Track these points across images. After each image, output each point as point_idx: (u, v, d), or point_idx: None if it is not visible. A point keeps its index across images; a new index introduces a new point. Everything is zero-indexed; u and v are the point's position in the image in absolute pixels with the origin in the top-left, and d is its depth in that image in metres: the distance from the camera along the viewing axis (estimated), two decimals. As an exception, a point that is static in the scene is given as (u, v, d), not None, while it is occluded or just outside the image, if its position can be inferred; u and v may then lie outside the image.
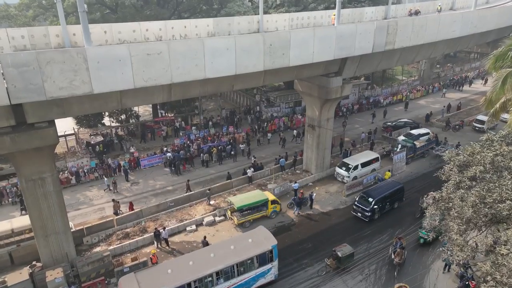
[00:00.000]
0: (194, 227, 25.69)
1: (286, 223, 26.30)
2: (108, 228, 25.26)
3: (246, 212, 25.79)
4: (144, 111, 49.05)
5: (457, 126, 41.19)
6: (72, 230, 23.76)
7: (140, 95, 20.23)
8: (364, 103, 48.67)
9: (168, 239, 24.16)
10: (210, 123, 42.18)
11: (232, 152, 35.75)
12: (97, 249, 23.74)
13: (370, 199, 25.94)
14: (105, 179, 31.44)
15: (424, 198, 17.04)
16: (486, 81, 57.72)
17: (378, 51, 26.40)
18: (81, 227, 24.75)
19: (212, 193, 28.21)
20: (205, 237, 23.48)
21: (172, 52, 17.86)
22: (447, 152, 17.74)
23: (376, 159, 32.36)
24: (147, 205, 27.56)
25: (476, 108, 47.29)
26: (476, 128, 40.58)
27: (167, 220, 26.17)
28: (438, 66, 65.11)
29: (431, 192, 17.01)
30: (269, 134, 39.90)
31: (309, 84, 29.12)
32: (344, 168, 31.13)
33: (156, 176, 33.30)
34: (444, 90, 53.58)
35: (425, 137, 37.00)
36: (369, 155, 32.74)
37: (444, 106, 46.07)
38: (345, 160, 31.88)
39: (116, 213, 26.55)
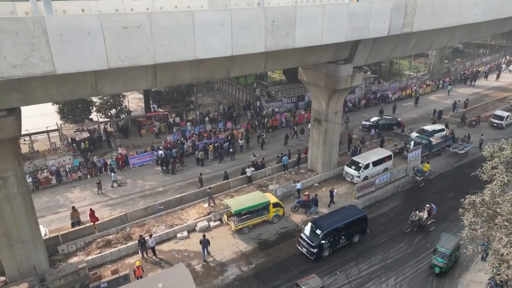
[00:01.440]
0: (185, 233, 22.61)
1: (290, 229, 23.22)
2: (87, 235, 22.19)
3: (244, 216, 22.73)
4: (137, 106, 45.99)
5: (473, 122, 38.07)
6: (45, 238, 20.78)
7: (119, 79, 17.17)
8: (372, 98, 45.57)
9: (155, 248, 21.09)
10: (207, 118, 39.11)
11: (231, 150, 32.68)
12: (74, 259, 20.66)
13: (318, 231, 20.23)
14: (112, 174, 28.60)
15: (466, 199, 13.90)
16: (498, 76, 54.68)
17: (395, 33, 23.31)
18: (57, 233, 21.70)
19: (209, 194, 25.10)
20: (204, 236, 20.78)
21: (155, 25, 14.76)
22: (487, 147, 14.71)
23: (388, 157, 29.26)
24: (133, 208, 24.47)
25: (492, 103, 44.25)
26: (494, 124, 37.50)
27: (155, 226, 23.09)
28: (446, 61, 62.02)
29: (470, 196, 13.95)
30: (270, 132, 36.87)
31: (315, 73, 26.03)
32: (353, 167, 28.04)
33: (146, 175, 30.22)
34: (449, 87, 49.73)
35: (440, 134, 33.97)
36: (381, 152, 29.64)
37: (458, 101, 42.93)
38: (355, 158, 28.79)
39: (75, 224, 23.00)
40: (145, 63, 15.27)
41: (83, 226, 22.55)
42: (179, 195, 25.47)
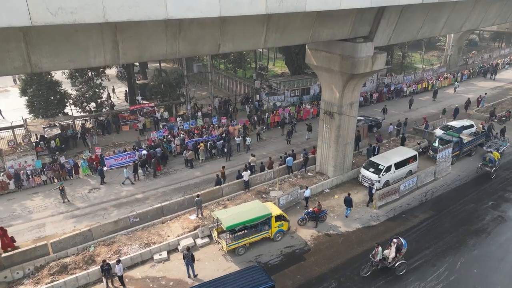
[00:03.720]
0: (164, 254, 17.81)
1: (297, 249, 18.38)
2: (40, 257, 17.39)
3: (239, 233, 17.94)
4: (123, 101, 41.25)
5: (503, 118, 33.28)
6: (-19, 262, 15.99)
7: (64, 50, 12.37)
8: (385, 92, 40.74)
9: (124, 276, 16.28)
10: (199, 113, 34.30)
11: (225, 149, 27.88)
12: (17, 290, 15.90)
13: None
14: (125, 170, 24.66)
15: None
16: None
17: (430, 1, 18.51)
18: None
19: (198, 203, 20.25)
20: (188, 249, 16.52)
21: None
22: None
23: (413, 158, 24.47)
24: (101, 222, 19.63)
25: (519, 98, 39.51)
26: (528, 119, 32.74)
27: (127, 245, 18.28)
28: (460, 54, 57.26)
29: None
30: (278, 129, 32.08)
31: (327, 55, 21.23)
32: (372, 170, 23.25)
33: (123, 179, 25.34)
34: (456, 83, 44.14)
35: (469, 130, 29.20)
36: (404, 152, 24.82)
37: (485, 93, 38.12)
38: (374, 159, 23.98)
39: None
40: (92, 20, 10.45)
41: (34, 246, 17.70)
42: (159, 205, 20.63)
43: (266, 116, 33.71)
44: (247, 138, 28.79)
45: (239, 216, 17.58)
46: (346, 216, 20.62)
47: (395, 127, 30.31)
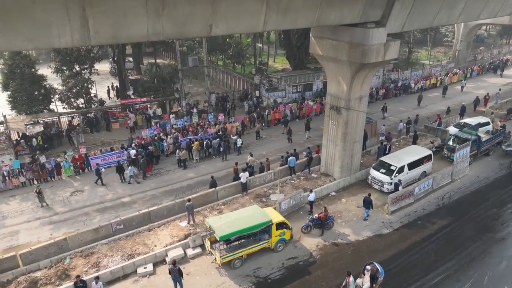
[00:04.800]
0: (150, 267, 15.63)
1: (301, 261, 16.19)
2: (7, 270, 15.25)
3: (235, 243, 15.77)
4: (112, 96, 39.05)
5: (520, 115, 31.08)
6: None
7: (21, 26, 10.19)
8: (392, 88, 38.53)
9: (102, 293, 14.12)
10: (195, 110, 32.11)
11: (221, 149, 25.68)
12: (-23, 310, 13.74)
13: None
14: (130, 167, 22.74)
15: None
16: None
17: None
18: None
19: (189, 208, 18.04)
20: (174, 263, 14.35)
21: None
22: None
23: (428, 157, 22.29)
24: (80, 230, 17.47)
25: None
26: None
27: (108, 256, 16.10)
28: (469, 49, 55.03)
29: None
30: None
31: (334, 43, 19.04)
32: (383, 171, 21.07)
33: (111, 181, 23.19)
34: (463, 82, 40.79)
35: (485, 128, 26.99)
36: (417, 151, 22.62)
37: (499, 90, 35.92)
38: (385, 159, 21.79)
39: None
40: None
41: (1, 257, 15.54)
42: (146, 210, 18.44)
43: (266, 113, 31.53)
44: (238, 140, 26.22)
45: (235, 223, 15.40)
46: (365, 219, 18.68)
47: (405, 124, 28.09)
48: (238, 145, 26.20)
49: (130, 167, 22.94)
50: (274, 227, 16.00)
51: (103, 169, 23.28)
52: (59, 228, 18.81)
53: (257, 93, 36.11)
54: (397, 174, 20.70)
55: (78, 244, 16.52)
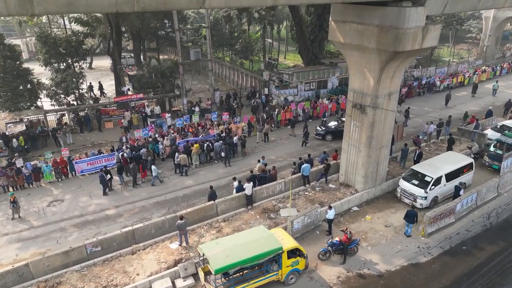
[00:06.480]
0: (128, 304, 12.45)
1: (318, 299, 12.85)
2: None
3: (236, 275, 12.46)
4: (112, 94, 36.08)
5: None
6: None
7: None
8: (415, 86, 34.86)
9: None
10: (197, 108, 28.93)
11: (223, 153, 22.36)
12: None
13: None
14: (153, 167, 20.32)
15: None
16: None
17: None
18: None
19: (181, 227, 14.76)
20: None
21: None
22: None
23: (469, 166, 18.70)
24: (49, 252, 14.34)
25: None
26: None
27: (78, 287, 12.94)
28: (498, 45, 50.99)
29: None
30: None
31: (359, 27, 15.65)
32: (416, 182, 17.55)
33: (95, 189, 20.09)
34: (495, 84, 34.81)
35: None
36: (456, 159, 19.04)
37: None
38: (417, 168, 18.26)
39: None
40: None
41: None
42: (129, 228, 15.23)
43: (276, 112, 28.19)
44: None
45: (235, 252, 12.09)
46: (408, 236, 15.57)
47: (435, 127, 24.44)
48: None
49: (153, 166, 20.34)
50: (285, 255, 12.66)
51: (108, 176, 19.96)
52: (27, 248, 15.75)
53: (266, 90, 32.82)
54: (433, 187, 17.18)
55: (44, 271, 13.40)
